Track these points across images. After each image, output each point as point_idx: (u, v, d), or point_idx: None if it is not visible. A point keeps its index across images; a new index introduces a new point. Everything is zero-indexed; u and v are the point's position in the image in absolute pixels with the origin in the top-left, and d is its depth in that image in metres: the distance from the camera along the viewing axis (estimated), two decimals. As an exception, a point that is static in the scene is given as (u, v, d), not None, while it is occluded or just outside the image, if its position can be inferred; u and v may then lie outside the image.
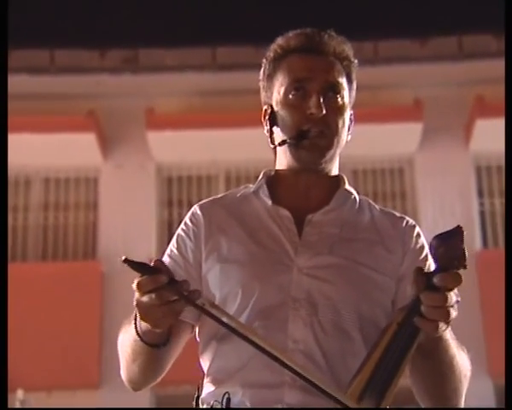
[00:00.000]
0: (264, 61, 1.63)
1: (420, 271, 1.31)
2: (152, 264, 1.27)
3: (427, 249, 1.56)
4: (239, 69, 8.36)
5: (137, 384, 1.58)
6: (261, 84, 1.63)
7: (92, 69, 9.08)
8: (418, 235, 1.58)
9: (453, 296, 1.29)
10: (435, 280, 1.27)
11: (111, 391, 7.89)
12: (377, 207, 1.63)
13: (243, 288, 1.46)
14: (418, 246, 1.56)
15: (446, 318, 1.29)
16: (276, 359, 1.28)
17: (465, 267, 1.29)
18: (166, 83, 9.09)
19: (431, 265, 1.52)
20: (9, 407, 6.85)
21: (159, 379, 1.58)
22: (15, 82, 8.90)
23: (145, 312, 1.30)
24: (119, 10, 9.43)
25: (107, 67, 9.14)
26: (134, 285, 1.27)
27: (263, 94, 1.63)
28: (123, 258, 1.24)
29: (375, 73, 9.03)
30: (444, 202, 8.83)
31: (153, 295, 1.25)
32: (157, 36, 9.11)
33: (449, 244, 1.30)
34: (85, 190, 9.23)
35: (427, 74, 9.06)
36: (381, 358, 1.33)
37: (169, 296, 1.26)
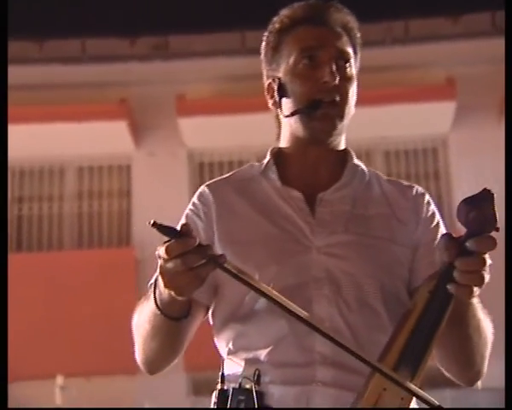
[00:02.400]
0: (267, 33, 1.60)
1: (450, 236, 1.30)
2: (179, 228, 1.25)
3: (438, 216, 1.55)
4: (269, 53, 8.31)
5: (154, 364, 1.54)
6: (264, 57, 1.60)
7: (123, 57, 9.11)
8: (428, 202, 1.56)
9: (487, 260, 1.27)
10: (469, 245, 1.25)
11: (148, 377, 7.96)
12: (384, 177, 1.62)
13: (261, 270, 1.44)
14: (430, 214, 1.55)
15: (481, 282, 1.27)
16: (311, 326, 1.26)
17: (497, 230, 1.27)
18: (196, 69, 9.09)
19: (442, 231, 1.51)
20: (50, 393, 6.96)
21: (174, 360, 1.55)
22: (48, 72, 9.00)
23: (170, 278, 1.27)
24: (147, -3, 9.44)
25: (138, 54, 9.17)
26: (161, 251, 1.24)
27: (267, 67, 1.60)
28: (151, 221, 1.21)
29: (407, 52, 8.94)
30: (478, 181, 8.69)
31: (178, 261, 1.22)
32: (186, 22, 9.10)
33: (480, 208, 1.27)
34: (118, 178, 9.30)
35: (460, 52, 8.93)
36: (414, 328, 1.32)
37: (196, 261, 1.23)
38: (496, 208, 1.26)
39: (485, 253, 1.26)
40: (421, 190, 1.58)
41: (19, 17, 8.79)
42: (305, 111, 1.49)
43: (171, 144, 9.04)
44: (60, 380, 6.87)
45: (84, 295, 8.34)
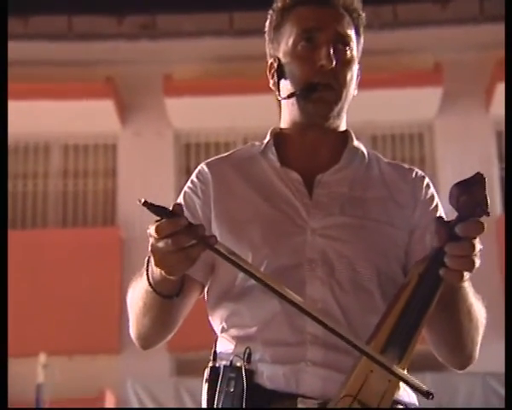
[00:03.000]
0: (270, 11, 1.58)
1: (441, 220, 1.30)
2: (171, 208, 1.24)
3: (437, 200, 1.55)
4: (256, 35, 8.26)
5: (147, 341, 1.55)
6: (267, 36, 1.59)
7: (110, 35, 9.05)
8: (428, 186, 1.56)
9: (477, 245, 1.27)
10: (458, 230, 1.26)
11: (131, 356, 7.99)
12: (385, 160, 1.61)
13: (255, 249, 1.44)
14: (428, 196, 1.54)
15: (471, 267, 1.28)
16: (300, 308, 1.26)
17: (488, 214, 1.27)
18: (184, 49, 9.05)
19: (442, 215, 1.51)
20: (33, 370, 6.96)
21: (168, 337, 1.55)
22: (33, 48, 8.92)
23: (160, 258, 1.26)
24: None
25: (125, 33, 9.11)
26: (152, 230, 1.23)
27: (269, 46, 1.59)
28: (142, 200, 1.20)
29: (395, 37, 8.94)
30: (464, 167, 8.76)
31: (169, 241, 1.22)
32: (174, 1, 9.05)
33: (471, 192, 1.27)
34: (104, 157, 9.27)
35: (448, 38, 8.94)
36: (403, 310, 1.33)
37: (186, 241, 1.22)
38: (487, 193, 1.28)
39: (474, 237, 1.27)
40: (420, 173, 1.58)
41: (5, -8, 8.69)
42: (300, 94, 1.48)
43: (157, 124, 9.02)
44: (42, 358, 6.86)
45: (68, 274, 8.34)
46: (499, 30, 8.69)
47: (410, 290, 1.33)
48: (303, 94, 1.48)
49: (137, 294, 1.47)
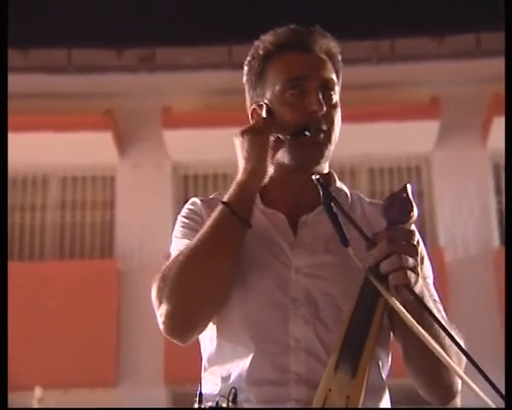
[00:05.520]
0: (249, 58, 1.60)
1: (369, 240, 1.36)
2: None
3: (417, 236, 1.55)
4: (255, 68, 8.34)
5: (199, 307, 1.45)
6: (247, 82, 1.62)
7: (109, 68, 9.11)
8: None
9: (405, 258, 1.32)
10: (381, 269, 1.32)
11: (128, 389, 7.92)
12: (367, 199, 1.64)
13: (242, 284, 1.46)
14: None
15: (405, 278, 1.30)
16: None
17: (408, 220, 1.38)
18: (183, 81, 9.10)
19: (423, 249, 1.55)
20: (28, 405, 6.90)
21: (217, 307, 1.46)
22: (32, 81, 8.97)
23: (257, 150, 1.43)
24: (135, 9, 9.46)
25: (124, 66, 9.17)
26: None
27: (250, 92, 1.61)
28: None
29: (392, 70, 9.01)
30: (461, 200, 8.78)
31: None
32: (173, 35, 9.13)
33: (397, 205, 1.38)
34: (102, 189, 9.27)
35: (444, 72, 9.01)
36: (348, 326, 1.38)
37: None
38: (411, 201, 1.38)
39: (393, 241, 1.32)
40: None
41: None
42: (294, 138, 1.51)
43: (155, 156, 9.04)
44: (38, 392, 6.80)
45: (64, 307, 8.29)
46: (496, 64, 8.79)
47: (353, 307, 1.39)
48: (295, 138, 1.51)
49: (199, 244, 1.43)
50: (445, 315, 1.50)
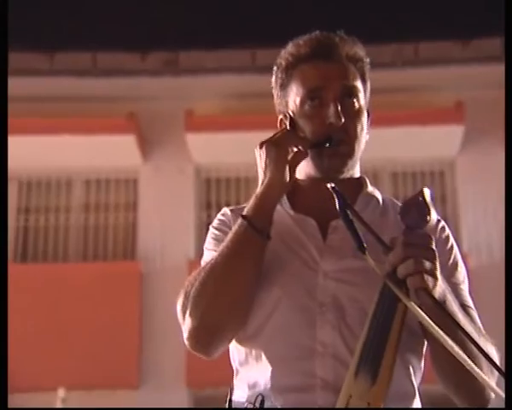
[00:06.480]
0: (275, 68, 1.61)
1: (386, 246, 1.35)
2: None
3: (452, 240, 1.57)
4: (278, 71, 8.34)
5: (220, 323, 1.45)
6: (274, 92, 1.62)
7: (133, 72, 9.16)
8: (443, 228, 1.58)
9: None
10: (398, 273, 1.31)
11: (150, 392, 7.95)
12: (400, 204, 1.63)
13: (271, 290, 1.46)
14: (443, 237, 1.56)
15: (421, 281, 1.29)
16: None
17: (427, 222, 1.35)
18: (206, 85, 9.13)
19: (457, 255, 1.55)
20: (51, 405, 6.95)
21: (240, 323, 1.46)
22: (58, 84, 9.05)
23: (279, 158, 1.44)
24: (159, 13, 9.51)
25: (148, 69, 9.21)
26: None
27: (277, 102, 1.62)
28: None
29: (416, 74, 8.96)
30: (485, 205, 8.70)
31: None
32: (197, 38, 9.16)
33: (414, 210, 1.36)
34: (125, 192, 9.32)
35: (469, 76, 8.94)
36: (368, 330, 1.36)
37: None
38: (428, 205, 1.36)
39: (409, 245, 1.31)
40: (436, 216, 1.59)
41: (31, 29, 8.86)
42: (315, 149, 1.51)
43: (178, 159, 9.07)
44: (61, 392, 6.86)
45: (87, 308, 8.34)
46: (521, 68, 8.71)
47: (371, 313, 1.37)
48: (316, 148, 1.51)
49: (222, 257, 1.45)
50: (479, 322, 1.47)
